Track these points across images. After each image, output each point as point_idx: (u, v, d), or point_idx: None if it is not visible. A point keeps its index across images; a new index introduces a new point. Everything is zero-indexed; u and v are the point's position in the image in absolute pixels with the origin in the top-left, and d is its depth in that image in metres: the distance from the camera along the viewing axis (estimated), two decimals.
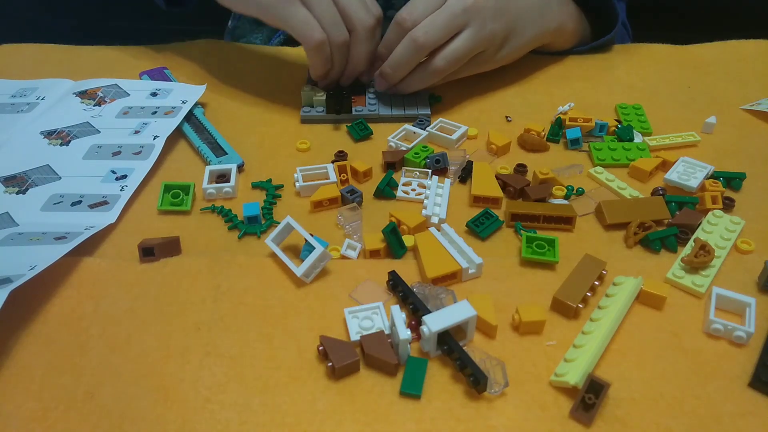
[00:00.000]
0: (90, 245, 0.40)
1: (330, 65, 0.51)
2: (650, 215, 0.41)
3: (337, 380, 0.32)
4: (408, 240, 0.40)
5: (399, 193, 0.45)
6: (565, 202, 0.44)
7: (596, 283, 0.37)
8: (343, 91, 0.53)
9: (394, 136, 0.50)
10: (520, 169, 0.47)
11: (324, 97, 0.53)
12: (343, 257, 0.39)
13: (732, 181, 0.46)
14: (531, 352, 0.34)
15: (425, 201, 0.43)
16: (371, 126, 0.52)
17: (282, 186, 0.46)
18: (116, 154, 0.48)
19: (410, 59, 0.50)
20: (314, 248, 0.37)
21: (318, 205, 0.43)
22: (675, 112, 0.55)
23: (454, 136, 0.50)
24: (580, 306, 0.35)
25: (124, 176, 0.46)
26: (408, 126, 0.51)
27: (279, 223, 0.40)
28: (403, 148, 0.49)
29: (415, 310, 0.35)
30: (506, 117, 0.54)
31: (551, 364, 0.33)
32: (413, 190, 0.45)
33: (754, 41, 0.65)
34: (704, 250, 0.38)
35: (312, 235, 0.38)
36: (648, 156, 0.48)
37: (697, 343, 0.34)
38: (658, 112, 0.54)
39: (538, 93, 0.57)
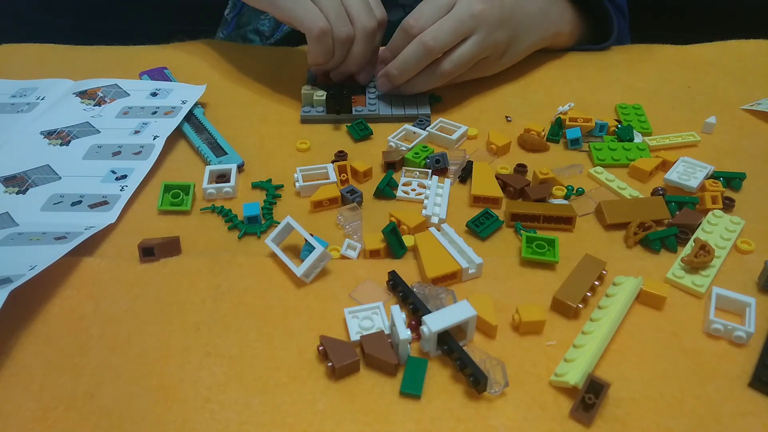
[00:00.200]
0: (90, 245, 0.40)
1: (329, 57, 0.51)
2: (650, 215, 0.41)
3: (337, 380, 0.32)
4: (408, 240, 0.40)
5: (399, 193, 0.45)
6: (565, 202, 0.44)
7: (596, 283, 0.37)
8: (344, 91, 0.53)
9: (394, 136, 0.50)
10: (520, 169, 0.47)
11: (324, 97, 0.53)
12: (343, 257, 0.39)
13: (732, 181, 0.46)
14: (531, 352, 0.34)
15: (425, 201, 0.43)
16: (371, 126, 0.52)
17: (282, 186, 0.46)
18: (116, 154, 0.48)
19: (418, 62, 0.50)
20: (314, 248, 0.37)
21: (318, 205, 0.43)
22: (675, 112, 0.55)
23: (454, 136, 0.50)
24: (580, 306, 0.35)
25: (124, 176, 0.46)
26: (408, 126, 0.51)
27: (279, 223, 0.40)
28: (403, 148, 0.49)
29: (415, 310, 0.35)
30: (506, 117, 0.54)
31: (551, 364, 0.33)
32: (413, 190, 0.45)
33: (754, 41, 0.65)
34: (704, 250, 0.38)
35: (312, 235, 0.38)
36: (648, 156, 0.48)
37: (697, 343, 0.34)
38: (658, 112, 0.54)
39: (538, 93, 0.57)
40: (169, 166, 0.48)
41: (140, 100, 0.54)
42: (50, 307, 0.36)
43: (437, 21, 0.49)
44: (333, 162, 0.47)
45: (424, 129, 0.51)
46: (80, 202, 0.43)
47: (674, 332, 0.35)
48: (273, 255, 0.39)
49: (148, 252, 0.39)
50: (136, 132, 0.50)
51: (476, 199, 0.44)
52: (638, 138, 0.51)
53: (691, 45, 0.65)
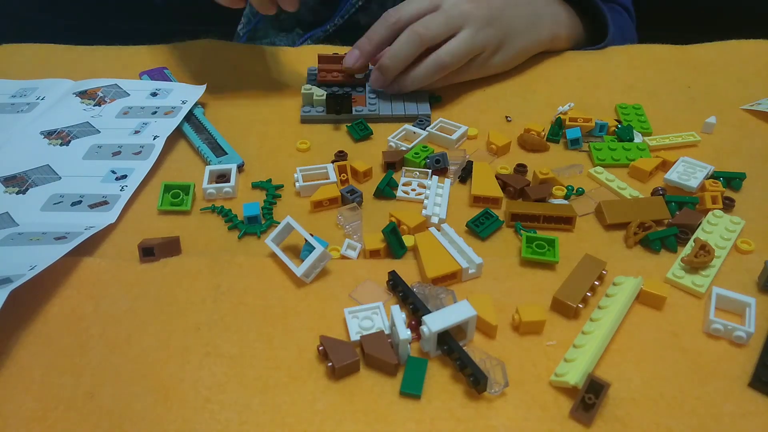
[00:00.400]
0: (90, 245, 0.40)
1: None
2: (650, 215, 0.41)
3: (337, 380, 0.32)
4: (408, 240, 0.40)
5: (399, 193, 0.45)
6: (565, 202, 0.44)
7: (596, 283, 0.37)
8: (344, 91, 0.53)
9: (394, 136, 0.50)
10: (520, 169, 0.47)
11: (324, 97, 0.53)
12: (343, 257, 0.39)
13: (732, 181, 0.46)
14: (531, 352, 0.34)
15: (425, 201, 0.43)
16: (371, 126, 0.52)
17: (282, 186, 0.46)
18: (116, 154, 0.48)
19: (410, 51, 0.51)
20: (314, 248, 0.37)
21: (318, 205, 0.43)
22: (675, 112, 0.55)
23: (454, 136, 0.50)
24: (580, 306, 0.35)
25: (124, 176, 0.46)
26: (408, 126, 0.51)
27: (279, 223, 0.40)
28: (403, 148, 0.49)
29: (415, 310, 0.35)
30: (506, 117, 0.54)
31: (551, 364, 0.33)
32: (413, 190, 0.45)
33: (754, 41, 0.65)
34: (704, 250, 0.38)
35: (312, 235, 0.38)
36: (648, 156, 0.48)
37: (697, 343, 0.34)
38: (658, 112, 0.54)
39: (538, 93, 0.57)
40: (169, 166, 0.48)
41: (140, 100, 0.54)
42: (50, 307, 0.36)
43: (423, 16, 0.50)
44: (333, 162, 0.47)
45: (424, 129, 0.51)
46: (80, 202, 0.43)
47: (674, 332, 0.35)
48: (273, 255, 0.39)
49: (148, 252, 0.39)
50: (136, 132, 0.50)
51: (476, 199, 0.44)
52: (638, 138, 0.51)
53: (691, 45, 0.64)
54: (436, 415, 0.30)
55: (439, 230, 0.40)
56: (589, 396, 0.30)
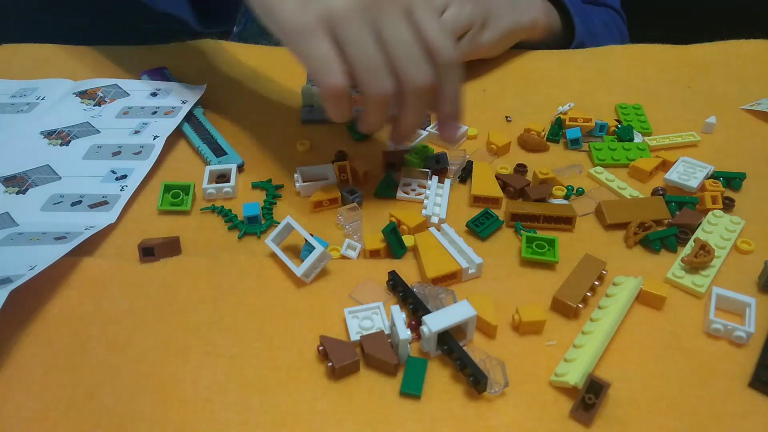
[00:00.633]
0: (90, 245, 0.40)
1: (351, 117, 0.40)
2: (650, 215, 0.41)
3: (337, 380, 0.32)
4: (408, 240, 0.40)
5: (399, 193, 0.45)
6: (566, 202, 0.44)
7: (596, 283, 0.37)
8: None
9: None
10: (520, 169, 0.47)
11: None
12: (343, 257, 0.39)
13: (732, 181, 0.46)
14: (531, 352, 0.34)
15: (425, 201, 0.43)
16: None
17: (282, 186, 0.46)
18: (116, 154, 0.48)
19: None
20: (314, 248, 0.37)
21: (318, 205, 0.43)
22: (675, 112, 0.55)
23: None
24: (580, 306, 0.35)
25: (124, 176, 0.46)
26: None
27: (279, 223, 0.40)
28: (404, 148, 0.49)
29: (415, 310, 0.35)
30: (506, 117, 0.54)
31: (551, 364, 0.33)
32: (413, 190, 0.45)
33: (754, 41, 0.65)
34: (704, 250, 0.38)
35: (312, 235, 0.38)
36: (648, 156, 0.48)
37: (697, 343, 0.34)
38: (658, 112, 0.54)
39: (538, 93, 0.57)
40: (169, 166, 0.48)
41: (140, 100, 0.54)
42: (50, 307, 0.36)
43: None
44: (333, 162, 0.47)
45: (424, 129, 0.51)
46: (80, 202, 0.43)
47: (674, 332, 0.35)
48: (273, 255, 0.39)
49: (148, 252, 0.39)
50: (136, 132, 0.50)
51: (476, 199, 0.44)
52: (638, 138, 0.51)
53: (691, 45, 0.64)
54: (436, 415, 0.30)
55: (439, 230, 0.40)
56: (589, 396, 0.30)
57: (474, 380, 0.31)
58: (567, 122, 0.51)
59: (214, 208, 0.43)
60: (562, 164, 0.48)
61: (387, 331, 0.34)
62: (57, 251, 0.36)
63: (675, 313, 0.36)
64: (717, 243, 0.40)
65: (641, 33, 0.71)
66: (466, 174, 0.46)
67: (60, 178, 0.46)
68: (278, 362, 0.33)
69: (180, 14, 0.50)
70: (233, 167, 0.46)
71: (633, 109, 0.54)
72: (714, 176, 0.46)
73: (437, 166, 0.46)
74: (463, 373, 0.32)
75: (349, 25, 0.36)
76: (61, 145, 0.49)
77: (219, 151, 0.49)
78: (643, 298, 0.36)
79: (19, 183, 0.45)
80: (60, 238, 0.39)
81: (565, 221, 0.41)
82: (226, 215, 0.43)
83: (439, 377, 0.32)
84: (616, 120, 0.53)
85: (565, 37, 0.65)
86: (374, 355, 0.32)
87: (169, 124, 0.51)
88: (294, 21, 0.37)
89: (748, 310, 0.35)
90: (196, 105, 0.54)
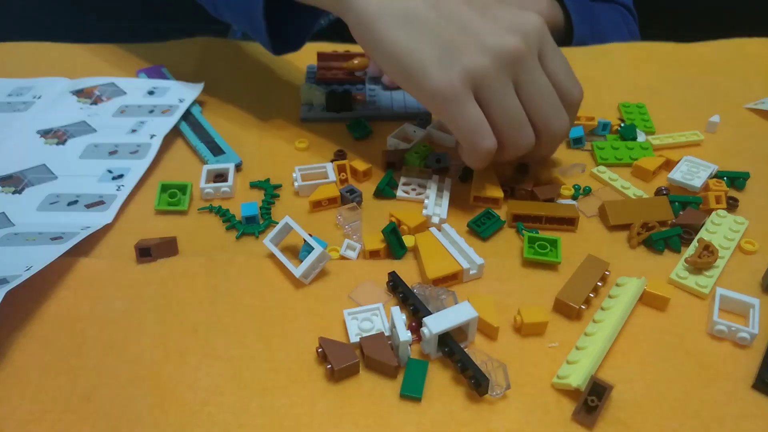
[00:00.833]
0: (86, 245, 0.39)
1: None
2: (654, 215, 0.41)
3: (336, 382, 0.32)
4: (408, 240, 0.40)
5: (399, 192, 0.44)
6: (573, 202, 0.43)
7: (599, 283, 0.37)
8: (344, 90, 0.52)
9: (394, 135, 0.50)
10: (522, 168, 0.47)
11: (324, 96, 0.52)
12: (343, 258, 0.39)
13: (736, 180, 0.45)
14: (533, 354, 0.33)
15: (425, 201, 0.43)
16: (371, 125, 0.51)
17: (280, 185, 0.46)
18: (113, 153, 0.48)
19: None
20: (313, 249, 0.37)
21: (317, 205, 0.43)
22: (678, 110, 0.54)
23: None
24: (583, 307, 0.35)
25: (121, 176, 0.45)
26: (408, 125, 0.51)
27: (277, 223, 0.40)
28: (403, 147, 0.49)
29: (416, 311, 0.34)
30: None
31: (553, 366, 0.32)
32: (413, 189, 0.45)
33: (757, 39, 0.65)
34: (708, 251, 0.38)
35: (311, 235, 0.38)
36: (651, 155, 0.48)
37: (700, 345, 0.34)
38: (661, 110, 0.54)
39: None
40: (166, 165, 0.48)
41: (137, 99, 0.54)
42: (46, 308, 0.35)
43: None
44: (332, 161, 0.47)
45: (424, 128, 0.50)
46: (76, 201, 0.43)
47: (678, 333, 0.34)
48: (271, 255, 0.39)
49: (145, 252, 0.38)
50: (133, 131, 0.50)
51: (476, 199, 0.43)
52: (641, 137, 0.50)
53: (694, 43, 0.64)
54: (437, 417, 0.30)
55: (439, 230, 0.40)
56: (592, 398, 0.30)
57: (475, 382, 0.30)
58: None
59: (212, 207, 0.43)
60: (565, 164, 0.48)
61: (387, 333, 0.33)
62: (53, 251, 0.36)
63: (678, 315, 0.36)
64: (721, 243, 0.40)
65: (644, 31, 0.71)
66: (466, 173, 0.46)
67: (56, 177, 0.45)
68: (277, 364, 0.33)
69: (257, 38, 0.49)
70: (231, 166, 0.45)
71: (636, 107, 0.54)
72: (718, 176, 0.45)
73: (438, 166, 0.46)
74: (464, 375, 0.31)
75: (491, 85, 0.37)
76: (57, 144, 0.49)
77: (217, 150, 0.48)
78: (646, 299, 0.36)
79: (15, 182, 0.45)
80: (56, 238, 0.38)
81: (568, 222, 0.41)
82: (224, 215, 0.42)
83: (439, 379, 0.32)
84: (619, 119, 0.53)
85: (567, 34, 0.65)
86: (374, 357, 0.32)
87: (166, 123, 0.50)
88: (443, 89, 0.37)
89: (752, 311, 0.35)
90: (193, 103, 0.53)
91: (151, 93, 0.55)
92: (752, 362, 0.33)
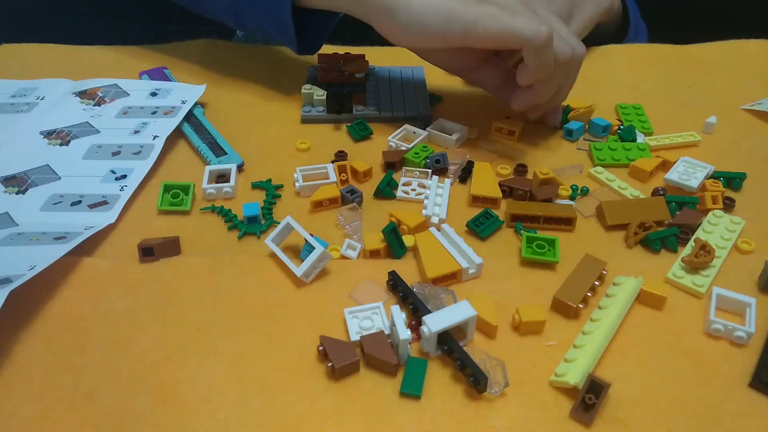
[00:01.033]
0: (89, 245, 0.39)
1: (548, 74, 0.44)
2: (651, 216, 0.41)
3: (337, 380, 0.32)
4: (408, 240, 0.40)
5: (399, 193, 0.45)
6: (571, 202, 0.44)
7: (596, 283, 0.37)
8: (344, 91, 0.53)
9: (394, 136, 0.50)
10: (520, 169, 0.47)
11: (324, 97, 0.53)
12: (343, 257, 0.39)
13: (732, 181, 0.45)
14: (531, 353, 0.33)
15: (425, 201, 0.43)
16: (371, 126, 0.52)
17: (282, 186, 0.46)
18: (116, 154, 0.48)
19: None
20: (314, 248, 0.37)
21: (318, 205, 0.43)
22: (675, 111, 0.55)
23: (454, 136, 0.50)
24: (581, 306, 0.35)
25: (124, 176, 0.46)
26: (408, 126, 0.51)
27: (279, 223, 0.40)
28: (403, 148, 0.49)
29: (415, 310, 0.35)
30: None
31: (551, 364, 0.33)
32: (413, 190, 0.45)
33: (754, 41, 0.65)
34: (704, 250, 0.38)
35: (312, 235, 0.38)
36: (648, 156, 0.48)
37: (697, 344, 0.34)
38: (658, 111, 0.54)
39: None
40: (168, 166, 0.48)
41: (140, 100, 0.54)
42: (50, 308, 0.36)
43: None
44: (333, 162, 0.47)
45: (424, 129, 0.51)
46: (80, 202, 0.43)
47: (674, 332, 0.35)
48: (273, 255, 0.39)
49: (148, 252, 0.39)
50: (136, 132, 0.50)
51: (475, 199, 0.44)
52: (640, 138, 0.51)
53: (691, 45, 0.64)
54: (436, 415, 0.30)
55: (439, 230, 0.40)
56: (590, 396, 0.30)
57: (474, 380, 0.31)
58: (571, 114, 0.52)
59: (214, 208, 0.43)
60: (563, 164, 0.48)
61: (387, 332, 0.34)
62: (57, 251, 0.36)
63: (675, 314, 0.36)
64: (717, 243, 0.40)
65: None
66: (466, 174, 0.46)
67: (60, 178, 0.46)
68: (278, 362, 0.33)
69: (283, 40, 0.53)
70: (233, 167, 0.46)
71: (633, 108, 0.54)
72: (714, 176, 0.46)
73: (437, 166, 0.46)
74: (463, 373, 0.32)
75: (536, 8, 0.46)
76: (60, 145, 0.49)
77: (219, 151, 0.48)
78: (643, 298, 0.36)
79: (18, 183, 0.45)
80: (60, 238, 0.39)
81: (566, 222, 0.41)
82: (226, 215, 0.43)
83: (439, 377, 0.32)
84: (618, 120, 0.53)
85: (622, 29, 0.65)
86: (374, 355, 0.32)
87: (168, 124, 0.51)
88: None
89: (749, 311, 0.35)
90: (195, 105, 0.54)
91: (153, 94, 0.55)
92: (749, 361, 0.33)
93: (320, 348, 0.33)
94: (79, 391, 0.31)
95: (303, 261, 0.37)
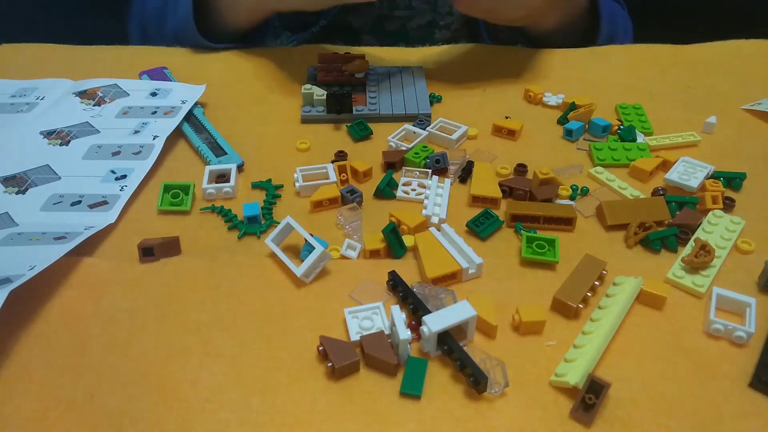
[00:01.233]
0: (89, 245, 0.39)
1: None
2: (651, 215, 0.41)
3: (337, 380, 0.32)
4: (408, 240, 0.40)
5: (399, 193, 0.45)
6: (571, 202, 0.44)
7: (596, 283, 0.37)
8: (344, 91, 0.53)
9: (394, 136, 0.50)
10: (520, 169, 0.47)
11: (324, 97, 0.53)
12: (343, 257, 0.39)
13: (732, 181, 0.46)
14: (531, 353, 0.33)
15: (425, 201, 0.43)
16: (371, 126, 0.52)
17: (282, 186, 0.46)
18: (116, 154, 0.48)
19: None
20: (314, 248, 0.37)
21: (318, 205, 0.43)
22: (675, 111, 0.55)
23: (454, 136, 0.50)
24: (581, 306, 0.35)
25: (124, 176, 0.46)
26: (408, 126, 0.51)
27: (279, 223, 0.40)
28: (403, 148, 0.49)
29: (415, 310, 0.35)
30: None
31: (551, 364, 0.33)
32: (413, 190, 0.45)
33: (754, 41, 0.65)
34: (704, 250, 0.38)
35: (312, 235, 0.38)
36: (648, 156, 0.48)
37: (697, 343, 0.34)
38: (658, 112, 0.54)
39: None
40: (168, 166, 0.48)
41: (140, 100, 0.54)
42: (50, 308, 0.36)
43: None
44: (333, 162, 0.47)
45: (424, 129, 0.51)
46: (80, 202, 0.43)
47: (674, 332, 0.35)
48: (273, 255, 0.39)
49: (148, 252, 0.39)
50: (136, 132, 0.50)
51: (475, 199, 0.44)
52: (641, 139, 0.51)
53: (691, 45, 0.65)
54: (436, 415, 0.30)
55: (439, 230, 0.40)
56: (590, 396, 0.30)
57: (474, 380, 0.31)
58: (571, 115, 0.52)
59: (214, 208, 0.43)
60: (562, 164, 0.48)
61: (387, 332, 0.34)
62: (57, 251, 0.36)
63: (675, 314, 0.36)
64: (717, 243, 0.40)
65: (641, 33, 0.71)
66: (466, 174, 0.46)
67: (60, 178, 0.46)
68: (278, 362, 0.33)
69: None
70: (233, 167, 0.46)
71: (633, 108, 0.54)
72: (714, 176, 0.46)
73: (437, 166, 0.46)
74: (463, 373, 0.32)
75: None
76: (60, 145, 0.49)
77: (219, 151, 0.49)
78: (643, 298, 0.36)
79: (18, 183, 0.45)
80: (60, 238, 0.39)
81: (566, 222, 0.41)
82: (226, 215, 0.43)
83: (439, 377, 0.32)
84: (618, 120, 0.53)
85: (592, 31, 0.64)
86: (374, 355, 0.32)
87: (168, 124, 0.51)
88: None
89: (749, 310, 0.35)
90: (195, 105, 0.54)
91: (153, 94, 0.55)
92: (749, 361, 0.33)
93: (320, 348, 0.33)
94: (79, 390, 0.31)
95: (303, 261, 0.37)
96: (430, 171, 0.46)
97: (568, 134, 0.51)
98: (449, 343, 0.32)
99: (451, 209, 0.43)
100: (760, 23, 0.67)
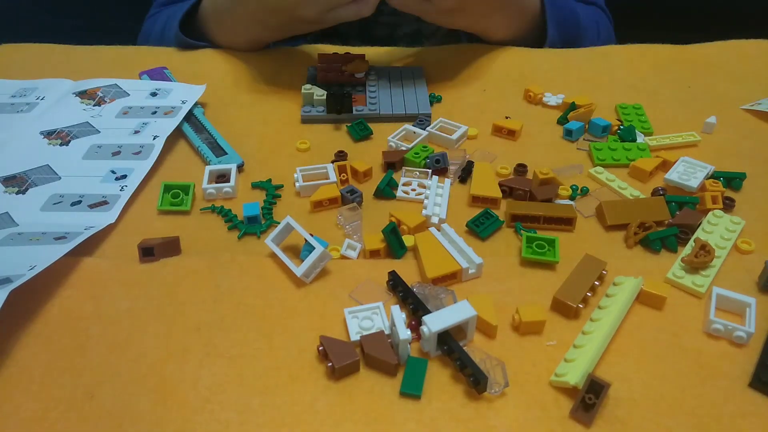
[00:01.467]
0: (90, 245, 0.40)
1: None
2: (651, 216, 0.41)
3: (337, 380, 0.32)
4: (408, 240, 0.40)
5: (399, 193, 0.45)
6: (571, 202, 0.44)
7: (596, 283, 0.37)
8: (344, 91, 0.53)
9: (394, 136, 0.50)
10: (520, 169, 0.47)
11: (324, 97, 0.53)
12: (343, 257, 0.39)
13: (732, 181, 0.46)
14: (531, 353, 0.34)
15: (425, 201, 0.43)
16: (371, 126, 0.52)
17: (282, 186, 0.46)
18: (116, 154, 0.48)
19: None
20: (314, 248, 0.37)
21: (318, 205, 0.43)
22: (675, 111, 0.55)
23: (454, 136, 0.50)
24: (581, 306, 0.35)
25: (124, 176, 0.46)
26: (408, 126, 0.51)
27: (279, 223, 0.40)
28: (403, 148, 0.49)
29: (415, 310, 0.35)
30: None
31: (551, 364, 0.33)
32: (413, 190, 0.45)
33: (754, 41, 0.65)
34: (704, 250, 0.38)
35: (312, 235, 0.38)
36: (648, 156, 0.48)
37: (697, 343, 0.34)
38: (658, 112, 0.54)
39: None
40: (168, 166, 0.48)
41: (140, 100, 0.54)
42: (50, 308, 0.36)
43: None
44: (333, 162, 0.47)
45: (424, 129, 0.51)
46: (80, 202, 0.43)
47: (674, 332, 0.35)
48: (273, 255, 0.39)
49: (148, 252, 0.39)
50: (136, 132, 0.50)
51: (475, 199, 0.44)
52: (639, 138, 0.51)
53: (691, 45, 0.64)
54: (436, 415, 0.30)
55: (439, 230, 0.40)
56: (590, 396, 0.30)
57: (474, 380, 0.31)
58: (571, 115, 0.52)
59: (214, 208, 0.43)
60: (562, 164, 0.48)
61: (387, 331, 0.34)
62: (57, 251, 0.36)
63: (675, 314, 0.36)
64: (717, 243, 0.40)
65: (641, 33, 0.71)
66: (466, 174, 0.46)
67: (60, 178, 0.46)
68: (278, 362, 0.33)
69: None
70: (233, 167, 0.46)
71: (633, 108, 0.54)
72: (714, 176, 0.46)
73: (437, 166, 0.46)
74: (463, 373, 0.32)
75: None
76: (60, 145, 0.49)
77: (219, 151, 0.49)
78: (643, 298, 0.36)
79: (18, 183, 0.45)
80: (60, 238, 0.39)
81: (566, 222, 0.41)
82: (226, 215, 0.43)
83: (439, 377, 0.32)
84: (618, 120, 0.53)
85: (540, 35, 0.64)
86: (374, 355, 0.32)
87: (168, 124, 0.51)
88: None
89: (749, 311, 0.35)
90: (195, 105, 0.54)
91: (153, 94, 0.55)
92: (748, 361, 0.33)
93: (320, 348, 0.33)
94: (79, 390, 0.31)
95: (303, 261, 0.37)
96: (430, 171, 0.46)
97: (568, 134, 0.51)
98: (449, 343, 0.32)
99: (451, 209, 0.43)
100: (760, 23, 0.67)
